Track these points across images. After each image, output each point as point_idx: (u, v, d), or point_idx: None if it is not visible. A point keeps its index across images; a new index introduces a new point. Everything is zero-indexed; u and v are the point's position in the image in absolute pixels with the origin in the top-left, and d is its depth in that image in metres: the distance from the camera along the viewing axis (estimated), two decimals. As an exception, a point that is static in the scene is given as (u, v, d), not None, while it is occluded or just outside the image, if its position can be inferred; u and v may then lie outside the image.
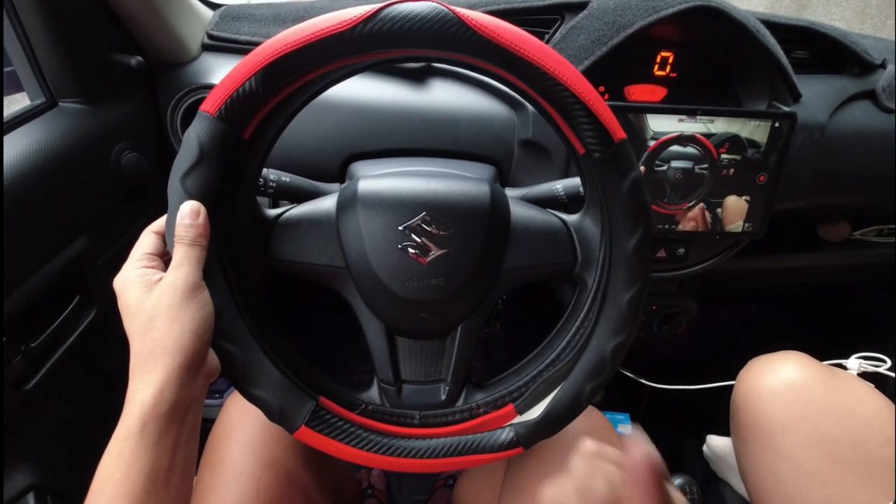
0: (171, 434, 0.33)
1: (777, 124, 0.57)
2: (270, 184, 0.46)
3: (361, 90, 0.59)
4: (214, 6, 0.67)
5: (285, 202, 0.47)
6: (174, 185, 0.35)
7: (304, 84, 0.35)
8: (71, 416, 0.56)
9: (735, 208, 0.60)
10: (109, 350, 0.57)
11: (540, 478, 0.51)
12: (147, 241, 0.37)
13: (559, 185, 0.49)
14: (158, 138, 0.62)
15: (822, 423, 0.49)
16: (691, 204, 0.59)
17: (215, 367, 0.37)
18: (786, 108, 0.60)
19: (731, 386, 0.58)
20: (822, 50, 0.67)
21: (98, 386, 0.59)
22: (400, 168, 0.53)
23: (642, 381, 0.84)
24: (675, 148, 0.57)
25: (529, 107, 0.57)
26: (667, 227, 0.61)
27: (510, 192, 0.51)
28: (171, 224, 0.35)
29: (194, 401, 0.35)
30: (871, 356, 0.64)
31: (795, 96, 0.62)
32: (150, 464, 0.32)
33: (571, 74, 0.32)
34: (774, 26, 0.63)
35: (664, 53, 0.63)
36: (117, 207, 0.57)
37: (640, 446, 0.56)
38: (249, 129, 0.36)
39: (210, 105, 0.34)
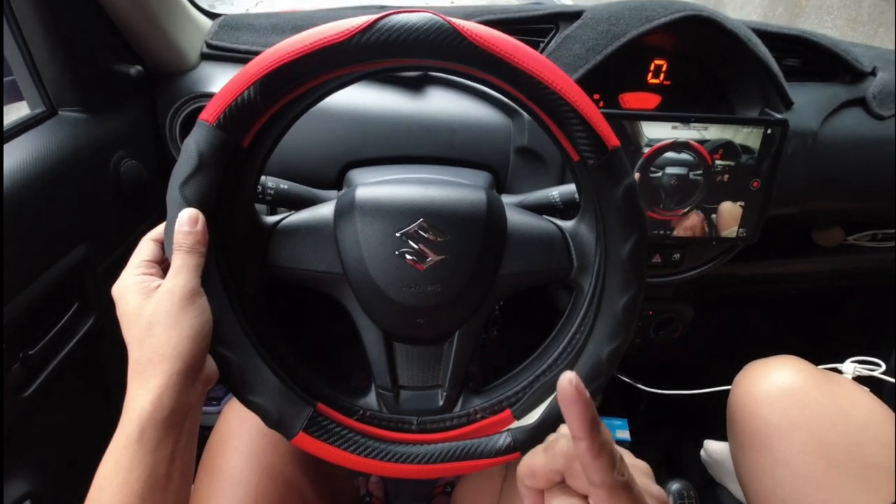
0: (169, 440, 0.33)
1: (769, 131, 0.58)
2: (269, 191, 0.47)
3: (359, 98, 0.60)
4: (213, 16, 0.67)
5: (283, 209, 0.48)
6: (173, 192, 0.35)
7: (302, 93, 0.36)
8: (69, 424, 0.56)
9: (730, 214, 0.60)
10: (107, 357, 0.57)
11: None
12: (146, 248, 0.37)
13: (555, 192, 0.49)
14: (157, 147, 0.63)
15: (817, 428, 0.50)
16: (686, 210, 0.60)
17: (213, 374, 0.37)
18: (778, 115, 0.61)
19: (728, 390, 0.58)
20: (813, 58, 0.68)
21: (96, 393, 0.59)
22: (397, 175, 0.53)
23: (640, 386, 0.84)
24: (669, 154, 0.58)
25: (525, 114, 0.58)
26: (662, 232, 0.61)
27: (507, 199, 0.51)
28: (169, 231, 0.35)
29: (192, 407, 0.35)
30: (865, 360, 0.64)
31: (787, 103, 0.63)
32: (149, 470, 0.32)
33: (565, 83, 0.33)
34: (766, 35, 0.64)
35: (658, 62, 0.64)
36: (116, 215, 0.57)
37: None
38: (248, 138, 0.36)
39: (209, 114, 0.34)
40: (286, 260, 0.42)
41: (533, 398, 0.43)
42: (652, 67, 0.65)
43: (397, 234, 0.41)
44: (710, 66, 0.64)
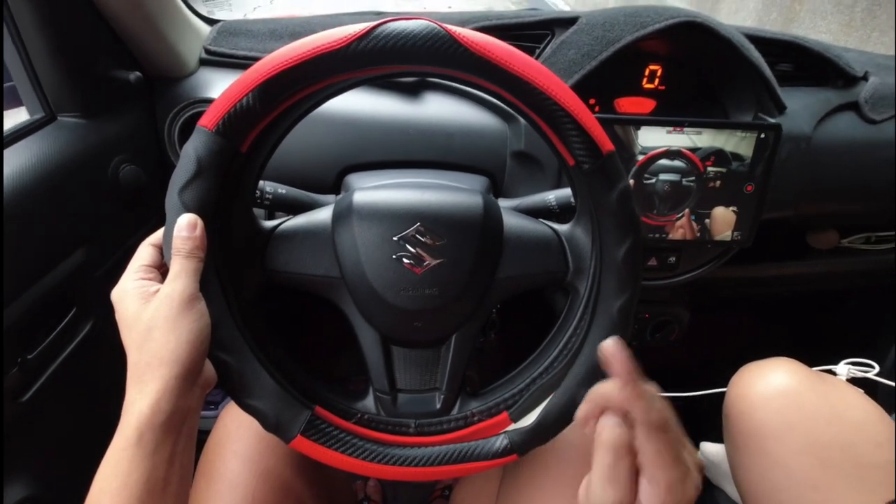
0: (167, 444, 0.33)
1: (763, 135, 0.58)
2: (267, 195, 0.47)
3: (357, 103, 0.60)
4: (212, 22, 0.68)
5: (282, 213, 0.48)
6: (172, 198, 0.35)
7: (300, 99, 0.36)
8: (67, 428, 0.56)
9: (723, 218, 0.61)
10: (106, 361, 0.57)
11: (535, 487, 0.52)
12: (144, 253, 0.38)
13: (551, 196, 0.50)
14: (156, 151, 0.63)
15: (812, 429, 0.50)
16: (680, 215, 0.61)
17: (212, 378, 0.37)
18: (771, 120, 0.62)
19: (724, 393, 0.59)
20: (805, 63, 0.69)
21: (94, 397, 0.59)
22: (395, 180, 0.54)
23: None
24: (662, 161, 0.58)
25: (521, 119, 0.59)
26: (657, 236, 0.62)
27: (503, 203, 0.51)
28: (168, 236, 0.35)
29: (191, 411, 0.35)
30: (859, 362, 0.65)
31: (780, 108, 0.63)
32: (147, 474, 0.32)
33: (560, 88, 0.34)
34: (759, 40, 0.65)
35: (652, 67, 0.65)
36: (115, 219, 0.58)
37: None
38: (247, 144, 0.36)
39: (208, 120, 0.34)
40: (284, 264, 0.42)
41: (530, 401, 0.43)
42: (647, 73, 0.65)
43: (394, 238, 0.41)
44: (704, 72, 0.65)
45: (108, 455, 0.33)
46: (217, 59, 0.64)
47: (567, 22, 0.62)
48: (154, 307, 0.34)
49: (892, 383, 0.64)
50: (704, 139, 0.58)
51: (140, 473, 0.32)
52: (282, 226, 0.43)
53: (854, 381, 0.64)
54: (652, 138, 0.58)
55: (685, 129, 0.57)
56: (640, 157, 0.58)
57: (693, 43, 0.61)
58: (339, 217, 0.43)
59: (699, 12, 0.60)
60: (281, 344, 0.43)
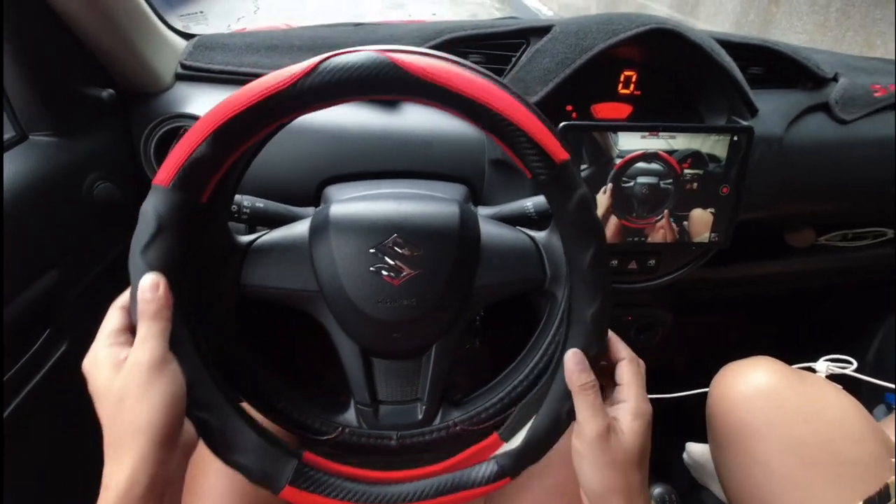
0: None
1: (736, 138, 0.59)
2: (245, 210, 0.47)
3: (335, 115, 0.60)
4: (188, 36, 0.68)
5: (262, 227, 0.48)
6: (134, 259, 0.34)
7: (253, 143, 0.36)
8: (42, 451, 0.55)
9: (701, 220, 0.62)
10: (80, 384, 0.56)
11: (522, 491, 0.52)
12: (113, 318, 0.36)
13: (529, 203, 0.50)
14: (132, 168, 0.62)
15: (792, 427, 0.51)
16: (659, 218, 0.61)
17: (192, 439, 0.36)
18: (744, 123, 0.63)
19: (707, 393, 0.59)
20: (776, 66, 0.71)
21: (69, 420, 0.58)
22: (373, 191, 0.54)
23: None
24: (640, 165, 0.59)
25: None
26: (636, 239, 0.62)
27: (482, 211, 0.52)
28: (133, 299, 0.34)
29: (172, 477, 0.34)
30: (838, 358, 0.66)
31: (753, 111, 0.64)
32: None
33: (507, 104, 0.33)
34: (730, 45, 0.66)
35: (627, 73, 0.66)
36: (90, 238, 0.57)
37: None
38: (206, 195, 0.36)
39: (163, 177, 0.34)
40: (261, 279, 0.42)
41: (517, 419, 0.42)
42: (622, 78, 0.66)
43: (371, 250, 0.41)
44: (678, 77, 0.66)
45: None
46: (193, 74, 0.63)
47: (542, 31, 0.63)
48: (124, 376, 0.33)
49: (869, 378, 0.65)
50: (680, 142, 0.59)
51: None
52: (258, 240, 0.43)
53: (833, 377, 0.64)
54: (629, 142, 0.58)
55: (660, 134, 0.58)
56: (618, 161, 0.59)
57: (665, 49, 0.62)
58: (315, 230, 0.43)
59: (669, 19, 0.61)
60: (261, 377, 0.43)
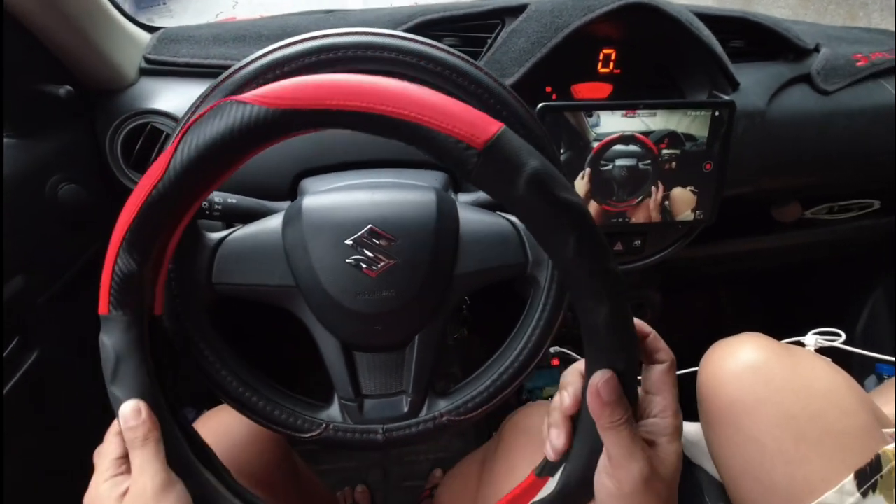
0: None
1: (717, 113, 0.58)
2: (216, 206, 0.45)
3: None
4: (152, 29, 0.65)
5: (238, 224, 0.46)
6: (109, 391, 0.34)
7: (172, 232, 0.34)
8: (14, 463, 0.53)
9: (682, 199, 0.61)
10: (53, 393, 0.55)
11: (514, 479, 0.51)
12: (109, 445, 0.35)
13: None
14: (99, 167, 0.60)
15: (782, 402, 0.50)
16: (639, 199, 0.60)
17: None
18: (725, 97, 0.62)
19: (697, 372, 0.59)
20: (756, 38, 0.70)
21: (41, 430, 0.56)
22: (349, 181, 0.52)
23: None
24: (618, 147, 0.58)
25: None
26: (620, 220, 0.62)
27: (463, 198, 0.50)
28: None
29: None
30: (826, 331, 0.66)
31: (734, 85, 0.64)
32: None
33: (379, 97, 0.28)
34: (709, 18, 0.65)
35: (606, 51, 0.64)
36: (57, 242, 0.55)
37: None
38: (156, 304, 0.35)
39: (101, 305, 0.33)
40: (236, 276, 0.41)
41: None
42: (601, 57, 0.65)
43: (347, 242, 0.40)
44: (658, 53, 0.65)
45: None
46: (158, 69, 0.61)
47: (517, 10, 0.61)
48: None
49: (858, 350, 0.65)
50: (658, 122, 0.58)
51: None
52: (229, 237, 0.42)
53: (822, 350, 0.64)
54: (609, 123, 0.57)
55: (639, 113, 0.57)
56: (596, 144, 0.58)
57: (644, 25, 0.61)
58: (288, 223, 0.41)
59: (647, -7, 0.60)
60: (241, 376, 0.42)
